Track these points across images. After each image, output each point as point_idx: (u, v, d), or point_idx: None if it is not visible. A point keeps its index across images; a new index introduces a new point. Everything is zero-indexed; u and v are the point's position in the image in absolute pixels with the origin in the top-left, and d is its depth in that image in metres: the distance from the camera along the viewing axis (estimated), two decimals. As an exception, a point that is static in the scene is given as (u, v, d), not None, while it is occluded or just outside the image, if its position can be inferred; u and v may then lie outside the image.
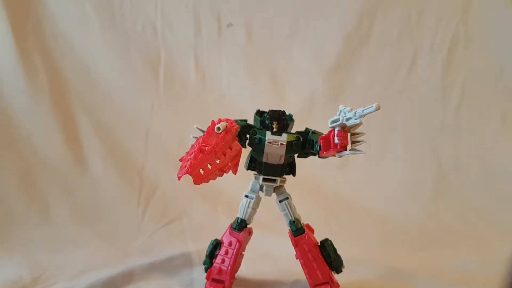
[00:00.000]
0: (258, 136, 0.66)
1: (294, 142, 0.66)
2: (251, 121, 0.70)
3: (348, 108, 0.57)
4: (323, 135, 0.62)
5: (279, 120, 0.67)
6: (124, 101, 1.25)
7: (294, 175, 0.71)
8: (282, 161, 0.67)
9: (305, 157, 0.70)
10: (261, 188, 0.71)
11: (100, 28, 1.24)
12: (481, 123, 1.29)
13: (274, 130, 0.67)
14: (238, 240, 0.70)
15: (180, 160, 0.57)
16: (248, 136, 0.68)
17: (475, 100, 1.30)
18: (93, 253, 0.90)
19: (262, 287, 0.76)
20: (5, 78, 1.14)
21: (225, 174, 0.60)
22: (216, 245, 0.73)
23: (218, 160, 0.57)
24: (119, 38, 1.25)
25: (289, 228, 0.70)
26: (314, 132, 0.67)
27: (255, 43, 1.31)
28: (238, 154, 0.61)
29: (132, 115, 1.25)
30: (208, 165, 0.56)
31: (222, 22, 1.30)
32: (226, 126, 0.58)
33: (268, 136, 0.66)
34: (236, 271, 0.73)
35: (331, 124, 0.59)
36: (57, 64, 1.21)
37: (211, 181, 0.57)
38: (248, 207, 0.71)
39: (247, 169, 0.71)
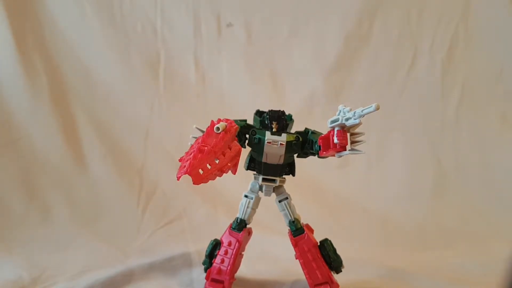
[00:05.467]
0: (257, 136, 0.66)
1: (293, 142, 0.66)
2: (250, 121, 0.70)
3: (348, 108, 0.57)
4: (323, 135, 0.62)
5: (278, 120, 0.67)
6: (124, 101, 1.25)
7: (293, 175, 0.71)
8: (281, 161, 0.67)
9: (305, 157, 0.70)
10: (260, 188, 0.71)
11: (100, 28, 1.24)
12: (481, 123, 1.29)
13: (274, 130, 0.67)
14: (237, 240, 0.70)
15: (180, 160, 0.57)
16: (247, 136, 0.67)
17: (475, 100, 1.29)
18: (93, 253, 0.90)
19: (262, 287, 0.76)
20: (5, 78, 1.14)
21: (224, 174, 0.60)
22: (215, 245, 0.73)
23: (218, 160, 0.57)
24: (119, 38, 1.25)
25: (289, 228, 0.70)
26: (313, 132, 0.67)
27: (255, 43, 1.31)
28: (238, 154, 0.61)
29: (132, 115, 1.25)
30: (208, 165, 0.56)
31: (222, 22, 1.30)
32: (226, 126, 0.58)
33: (268, 136, 0.66)
34: (235, 271, 0.73)
35: (330, 124, 0.59)
36: (57, 64, 1.21)
37: (210, 181, 0.57)
38: (247, 207, 0.71)
39: (247, 169, 0.71)
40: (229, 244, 0.70)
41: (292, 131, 0.69)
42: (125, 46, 1.26)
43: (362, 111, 0.54)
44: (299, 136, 0.67)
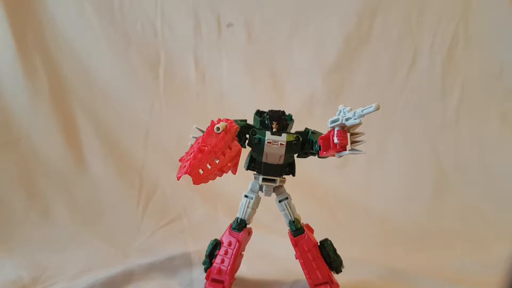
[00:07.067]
0: (257, 136, 0.66)
1: (293, 142, 0.66)
2: (250, 121, 0.70)
3: (348, 108, 0.57)
4: (323, 135, 0.62)
5: (278, 120, 0.67)
6: (124, 101, 1.25)
7: (293, 175, 0.71)
8: (281, 161, 0.67)
9: (305, 157, 0.70)
10: (260, 188, 0.71)
11: (100, 28, 1.24)
12: (481, 123, 1.29)
13: (274, 130, 0.67)
14: (237, 240, 0.70)
15: (180, 160, 0.57)
16: (247, 136, 0.68)
17: (475, 100, 1.29)
18: (93, 253, 0.90)
19: (262, 287, 0.76)
20: (5, 78, 1.14)
21: (224, 174, 0.60)
22: (215, 245, 0.73)
23: (218, 160, 0.57)
24: (119, 38, 1.25)
25: (289, 228, 0.70)
26: (313, 132, 0.67)
27: (255, 43, 1.31)
28: (238, 154, 0.61)
29: (132, 115, 1.25)
30: (208, 165, 0.56)
31: (222, 22, 1.30)
32: (226, 126, 0.58)
33: (268, 136, 0.66)
34: (235, 271, 0.73)
35: (330, 124, 0.59)
36: (57, 64, 1.21)
37: (210, 181, 0.57)
38: (247, 207, 0.71)
39: (247, 169, 0.71)
40: (229, 244, 0.70)
41: (292, 131, 0.69)
42: (125, 46, 1.26)
43: (362, 111, 0.54)
44: (299, 136, 0.67)
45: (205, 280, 0.71)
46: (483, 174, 1.24)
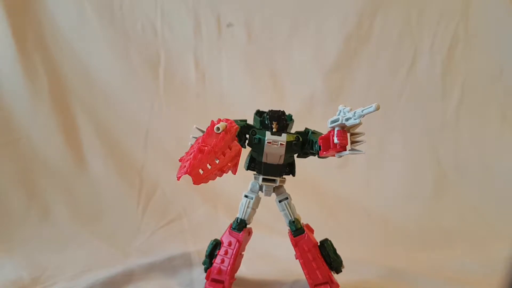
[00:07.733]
0: (257, 136, 0.66)
1: (293, 142, 0.66)
2: (250, 121, 0.70)
3: (348, 108, 0.57)
4: (323, 135, 0.62)
5: (278, 120, 0.67)
6: (124, 101, 1.25)
7: (293, 175, 0.71)
8: (281, 161, 0.68)
9: (305, 157, 0.70)
10: (260, 188, 0.71)
11: (100, 28, 1.24)
12: (481, 123, 1.29)
13: (274, 130, 0.67)
14: (237, 240, 0.70)
15: (180, 160, 0.57)
16: (247, 136, 0.68)
17: (475, 100, 1.29)
18: (93, 253, 0.90)
19: (262, 287, 0.76)
20: (5, 78, 1.14)
21: (224, 174, 0.60)
22: (215, 245, 0.73)
23: (218, 160, 0.57)
24: (119, 38, 1.25)
25: (289, 228, 0.70)
26: (313, 132, 0.67)
27: (255, 43, 1.31)
28: (238, 154, 0.61)
29: (132, 115, 1.25)
30: (208, 165, 0.56)
31: (222, 22, 1.30)
32: (226, 126, 0.58)
33: (268, 136, 0.66)
34: (235, 271, 0.73)
35: (330, 124, 0.59)
36: (57, 64, 1.21)
37: (210, 181, 0.57)
38: (247, 207, 0.71)
39: (247, 169, 0.71)
40: (229, 244, 0.70)
41: (292, 131, 0.70)
42: (125, 46, 1.26)
43: (362, 111, 0.54)
44: (299, 136, 0.67)
45: (205, 280, 0.71)
46: (483, 174, 1.23)
